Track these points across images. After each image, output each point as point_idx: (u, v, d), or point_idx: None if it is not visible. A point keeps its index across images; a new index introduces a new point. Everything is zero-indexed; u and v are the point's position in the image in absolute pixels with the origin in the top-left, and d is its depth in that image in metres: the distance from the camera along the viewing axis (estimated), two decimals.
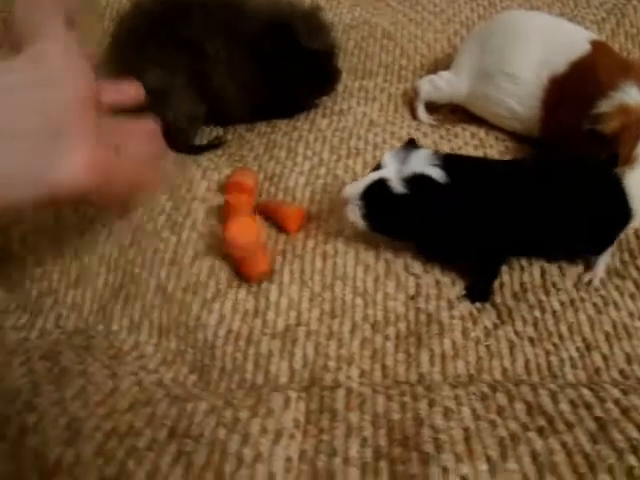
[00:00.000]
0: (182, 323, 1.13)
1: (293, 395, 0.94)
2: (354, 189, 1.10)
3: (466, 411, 0.90)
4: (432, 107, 1.57)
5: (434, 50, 1.75)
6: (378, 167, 1.09)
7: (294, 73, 1.43)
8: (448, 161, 1.07)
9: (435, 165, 1.05)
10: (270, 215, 1.28)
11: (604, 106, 1.21)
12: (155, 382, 1.02)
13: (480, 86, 1.45)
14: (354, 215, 1.12)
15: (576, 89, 1.29)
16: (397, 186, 1.05)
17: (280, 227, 1.27)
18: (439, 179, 1.05)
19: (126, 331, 1.13)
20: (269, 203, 1.30)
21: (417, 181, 1.05)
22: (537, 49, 1.36)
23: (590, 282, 1.19)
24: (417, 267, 1.20)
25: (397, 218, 1.09)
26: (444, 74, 1.51)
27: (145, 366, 1.07)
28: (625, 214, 1.15)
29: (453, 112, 1.57)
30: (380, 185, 1.07)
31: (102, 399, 0.91)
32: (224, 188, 1.34)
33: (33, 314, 1.17)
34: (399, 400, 0.92)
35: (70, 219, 1.29)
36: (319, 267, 1.19)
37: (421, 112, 1.55)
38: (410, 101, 1.60)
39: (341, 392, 0.94)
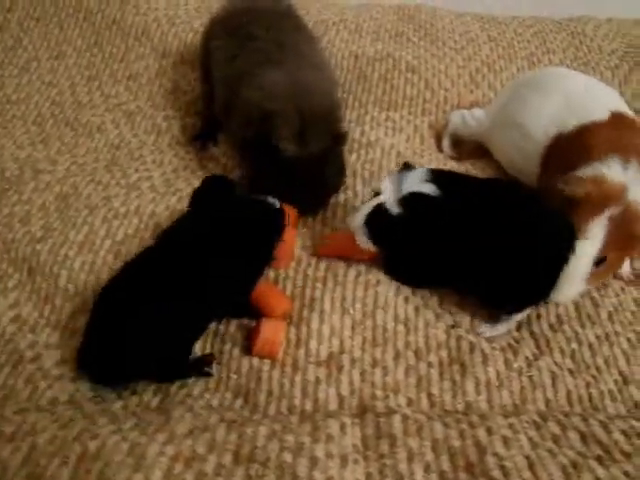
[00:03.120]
0: (227, 351, 1.13)
1: (347, 421, 0.94)
2: (357, 218, 1.15)
3: (524, 439, 0.90)
4: (457, 141, 1.59)
5: (457, 85, 1.78)
6: (377, 194, 1.14)
7: (274, 184, 1.26)
8: (439, 176, 1.12)
9: (427, 181, 1.10)
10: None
11: (581, 172, 1.19)
12: (205, 407, 1.01)
13: (495, 130, 1.47)
14: (363, 241, 1.16)
15: (570, 151, 1.27)
16: (393, 207, 1.10)
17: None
18: (432, 193, 1.08)
19: None
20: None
21: (411, 199, 1.09)
22: (554, 106, 1.35)
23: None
24: (452, 301, 1.22)
25: (399, 237, 1.12)
26: (476, 112, 1.54)
27: (190, 393, 1.06)
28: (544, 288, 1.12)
29: (477, 148, 1.58)
30: (378, 210, 1.12)
31: (159, 426, 0.90)
32: None
33: (66, 333, 1.17)
34: (457, 427, 0.92)
35: None
36: (360, 295, 1.19)
37: (446, 143, 1.57)
38: (436, 134, 1.62)
39: (397, 418, 0.94)
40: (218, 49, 1.52)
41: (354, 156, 1.51)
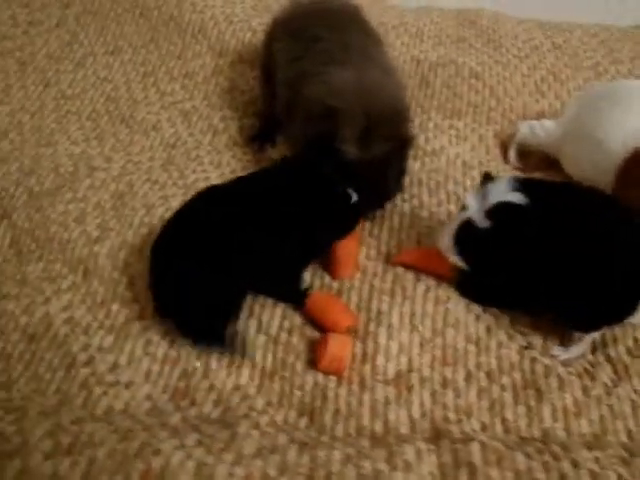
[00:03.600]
0: (289, 364, 1.08)
1: (423, 447, 0.89)
2: (445, 235, 1.10)
3: (613, 476, 0.84)
4: (523, 152, 1.53)
5: (522, 94, 1.71)
6: (463, 209, 1.09)
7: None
8: (524, 184, 1.06)
9: (512, 190, 1.04)
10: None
11: None
12: (270, 423, 0.97)
13: (567, 142, 1.41)
14: (454, 260, 1.11)
15: None
16: (481, 221, 1.04)
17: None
18: (519, 202, 1.02)
19: (225, 371, 1.09)
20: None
21: (499, 209, 1.03)
22: (635, 120, 1.31)
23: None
24: (524, 321, 1.16)
25: (488, 250, 1.07)
26: (545, 122, 1.48)
27: (253, 407, 1.02)
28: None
29: (544, 160, 1.52)
30: (466, 225, 1.07)
31: (224, 444, 0.85)
32: None
33: (120, 337, 1.13)
34: (539, 459, 0.86)
35: None
36: (430, 312, 1.14)
37: (512, 154, 1.51)
38: (501, 144, 1.57)
39: (475, 446, 0.88)
40: (281, 51, 1.47)
41: (418, 164, 1.46)
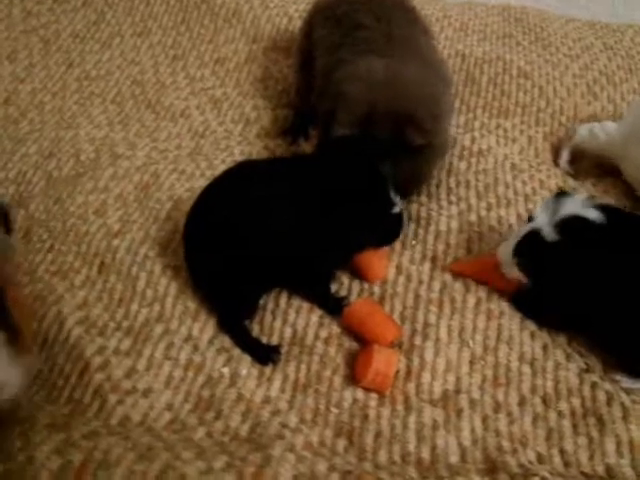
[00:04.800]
0: (325, 377, 0.98)
1: None
2: (507, 247, 1.03)
3: None
4: (574, 158, 1.43)
5: (574, 95, 1.61)
6: (530, 219, 1.02)
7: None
8: (602, 207, 0.99)
9: (589, 207, 0.98)
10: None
11: None
12: (306, 447, 0.87)
13: (633, 145, 1.31)
14: (514, 273, 1.03)
15: None
16: (550, 234, 0.97)
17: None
18: (594, 219, 0.96)
19: (255, 380, 0.99)
20: None
21: (571, 223, 0.97)
22: None
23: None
24: (582, 340, 1.06)
25: (553, 265, 0.99)
26: (607, 124, 1.38)
27: (286, 424, 0.92)
28: None
29: (596, 167, 1.42)
30: (533, 237, 1.00)
31: (258, 469, 0.76)
32: None
33: (139, 340, 1.04)
34: None
35: None
36: (481, 327, 1.04)
37: (564, 157, 1.41)
38: (551, 147, 1.46)
39: None
40: (321, 38, 1.39)
41: (464, 164, 1.36)
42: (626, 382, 1.01)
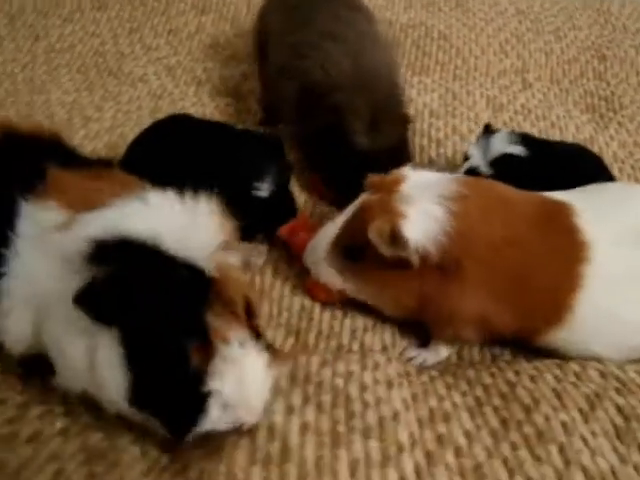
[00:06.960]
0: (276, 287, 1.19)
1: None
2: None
3: None
4: None
5: (487, 53, 1.84)
6: (466, 158, 1.22)
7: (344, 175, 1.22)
8: (522, 138, 1.20)
9: (513, 143, 1.18)
10: None
11: None
12: None
13: None
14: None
15: None
16: (485, 170, 1.18)
17: None
18: (521, 154, 1.16)
19: None
20: None
21: (502, 160, 1.17)
22: None
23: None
24: None
25: None
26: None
27: None
28: None
29: None
30: (472, 174, 1.18)
31: None
32: None
33: None
34: None
35: None
36: None
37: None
38: (468, 93, 1.67)
39: None
40: (275, 23, 1.47)
41: None
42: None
